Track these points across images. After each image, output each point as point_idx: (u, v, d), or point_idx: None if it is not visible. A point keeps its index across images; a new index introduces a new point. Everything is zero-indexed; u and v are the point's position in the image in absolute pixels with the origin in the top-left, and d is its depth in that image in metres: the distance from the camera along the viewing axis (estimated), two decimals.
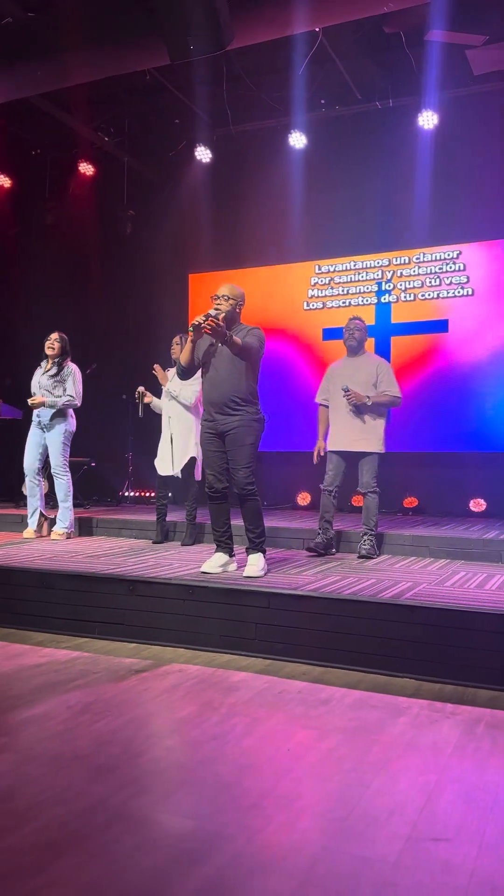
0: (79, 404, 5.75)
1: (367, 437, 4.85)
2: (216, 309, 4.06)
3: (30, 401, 5.66)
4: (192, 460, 5.29)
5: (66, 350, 5.80)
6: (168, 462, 5.34)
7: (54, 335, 5.79)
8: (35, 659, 3.32)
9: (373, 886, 1.57)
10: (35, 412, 5.71)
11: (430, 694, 2.92)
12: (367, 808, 1.92)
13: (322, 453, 5.03)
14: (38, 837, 1.74)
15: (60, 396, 5.66)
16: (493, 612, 3.12)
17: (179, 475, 5.33)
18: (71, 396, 5.68)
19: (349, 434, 4.89)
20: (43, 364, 5.82)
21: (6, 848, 1.70)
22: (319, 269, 7.73)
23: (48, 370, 5.73)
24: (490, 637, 3.06)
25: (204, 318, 3.92)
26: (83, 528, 6.15)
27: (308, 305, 7.77)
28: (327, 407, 5.06)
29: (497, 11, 5.23)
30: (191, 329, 4.00)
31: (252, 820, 1.85)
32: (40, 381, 5.72)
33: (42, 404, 5.62)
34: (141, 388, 5.60)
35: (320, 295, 7.72)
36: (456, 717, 2.64)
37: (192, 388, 5.21)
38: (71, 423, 5.76)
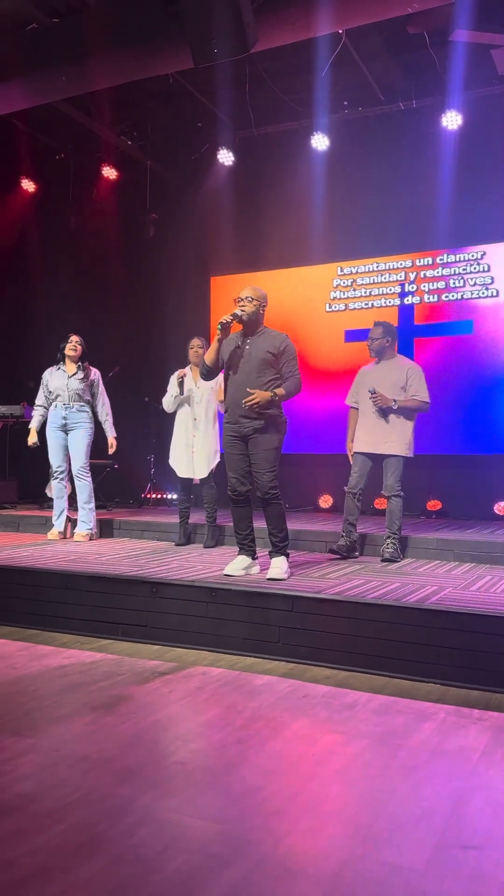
0: None
1: (392, 439, 4.83)
2: (241, 310, 4.06)
3: (113, 444, 5.85)
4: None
5: (85, 352, 5.85)
6: (192, 465, 5.32)
7: (76, 337, 5.81)
8: (60, 660, 3.34)
9: (401, 893, 1.55)
10: (61, 415, 5.72)
11: (456, 699, 2.89)
12: (394, 814, 1.90)
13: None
14: (65, 839, 1.75)
15: (104, 414, 5.84)
16: None
17: (198, 481, 5.34)
18: (107, 410, 5.85)
19: (375, 436, 4.88)
20: (62, 367, 5.79)
21: (33, 849, 1.70)
22: (342, 270, 7.70)
23: (75, 374, 5.76)
24: None
25: (231, 317, 3.94)
26: (106, 530, 6.18)
27: (330, 307, 7.74)
28: (357, 409, 5.06)
29: None
30: (219, 328, 4.00)
31: (278, 824, 1.84)
32: (69, 383, 5.73)
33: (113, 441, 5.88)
34: (180, 371, 5.37)
35: (342, 297, 7.70)
36: (483, 722, 2.61)
37: None
38: (93, 425, 5.83)
